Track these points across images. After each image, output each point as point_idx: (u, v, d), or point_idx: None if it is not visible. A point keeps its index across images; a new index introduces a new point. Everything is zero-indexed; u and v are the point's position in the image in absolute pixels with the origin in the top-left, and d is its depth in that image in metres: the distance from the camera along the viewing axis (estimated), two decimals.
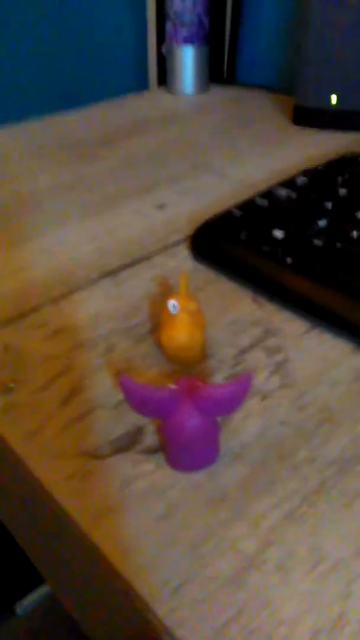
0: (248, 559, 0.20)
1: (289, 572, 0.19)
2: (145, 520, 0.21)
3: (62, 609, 0.67)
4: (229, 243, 0.34)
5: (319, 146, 0.52)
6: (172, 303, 0.26)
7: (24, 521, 0.28)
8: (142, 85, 0.77)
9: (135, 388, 0.21)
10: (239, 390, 0.21)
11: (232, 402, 0.21)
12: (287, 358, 0.28)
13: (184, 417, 0.21)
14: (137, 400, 0.21)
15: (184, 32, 0.64)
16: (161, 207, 0.42)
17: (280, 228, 0.34)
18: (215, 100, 0.67)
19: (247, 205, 0.37)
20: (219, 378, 0.27)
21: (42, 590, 0.73)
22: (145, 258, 0.36)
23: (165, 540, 0.20)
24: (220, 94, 0.69)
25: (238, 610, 0.18)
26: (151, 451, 0.24)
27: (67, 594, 0.27)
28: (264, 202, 0.37)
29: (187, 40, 0.65)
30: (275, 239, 0.33)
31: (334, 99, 0.53)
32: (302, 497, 0.22)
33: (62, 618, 0.70)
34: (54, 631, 0.70)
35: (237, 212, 0.36)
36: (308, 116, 0.55)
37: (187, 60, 0.66)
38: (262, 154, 0.51)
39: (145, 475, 0.23)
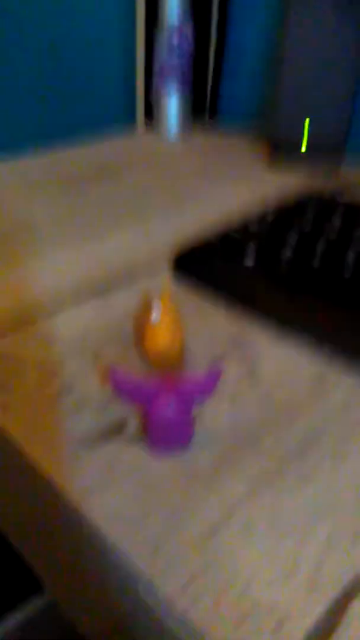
0: (215, 525, 0.23)
1: (250, 535, 0.23)
2: (128, 494, 0.24)
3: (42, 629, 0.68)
4: (207, 268, 0.38)
5: (291, 185, 0.58)
6: (155, 312, 0.30)
7: (19, 514, 0.31)
8: (130, 117, 0.83)
9: (124, 377, 0.25)
10: (210, 381, 0.25)
11: (204, 391, 0.25)
12: (255, 364, 0.32)
13: (163, 404, 0.25)
14: (124, 388, 0.25)
15: (169, 83, 0.71)
16: (147, 235, 0.47)
17: (251, 258, 0.38)
18: (197, 145, 0.73)
19: (223, 237, 0.41)
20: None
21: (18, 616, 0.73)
22: (130, 280, 0.40)
23: (146, 510, 0.24)
24: (202, 137, 0.75)
25: (205, 566, 0.22)
26: (134, 439, 0.27)
27: (58, 589, 0.30)
28: (237, 235, 0.42)
29: (172, 91, 0.71)
30: (247, 267, 0.38)
31: (304, 144, 0.59)
32: (265, 476, 0.25)
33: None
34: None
35: (214, 243, 0.41)
36: (283, 158, 0.61)
37: (172, 104, 0.73)
38: (239, 191, 0.56)
39: (129, 458, 0.26)
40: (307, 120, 0.58)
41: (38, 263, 0.42)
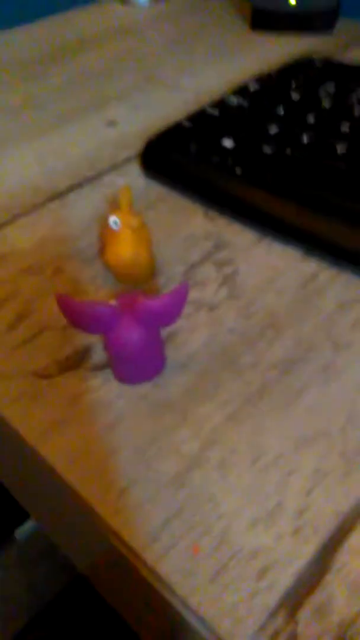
0: (190, 460, 0.20)
1: (229, 469, 0.20)
2: (93, 431, 0.22)
3: None
4: (179, 156, 0.33)
5: (277, 52, 0.50)
6: (112, 219, 0.25)
7: None
8: None
9: (73, 305, 0.21)
10: (176, 299, 0.21)
11: (170, 312, 0.21)
12: (236, 270, 0.28)
13: (124, 330, 0.21)
14: (76, 317, 0.21)
15: None
16: (111, 123, 0.40)
17: (230, 137, 0.33)
18: (169, 8, 0.62)
19: (198, 116, 0.35)
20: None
21: None
22: (95, 178, 0.35)
23: (112, 447, 0.21)
24: (175, 2, 0.64)
25: (180, 507, 0.19)
26: (99, 368, 0.24)
27: (43, 518, 0.29)
28: (214, 112, 0.35)
29: None
30: (225, 149, 0.32)
31: (292, 1, 0.50)
32: (244, 399, 0.22)
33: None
34: (53, 556, 0.74)
35: (187, 124, 0.35)
36: (267, 20, 0.52)
37: None
38: (219, 63, 0.48)
39: (93, 390, 0.23)
40: None
41: None
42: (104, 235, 0.27)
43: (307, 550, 0.18)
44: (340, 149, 0.31)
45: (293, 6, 0.50)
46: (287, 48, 0.50)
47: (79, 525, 0.22)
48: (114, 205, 0.33)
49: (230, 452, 0.20)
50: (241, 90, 0.37)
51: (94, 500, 0.20)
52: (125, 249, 0.26)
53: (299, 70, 0.39)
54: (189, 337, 0.25)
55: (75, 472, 0.20)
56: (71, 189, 0.34)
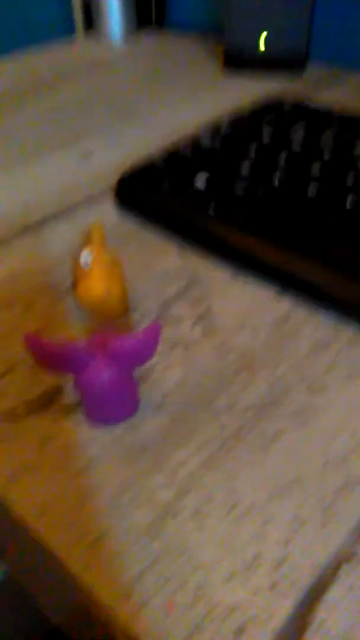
0: (165, 508, 0.20)
1: (205, 518, 0.19)
2: (64, 478, 0.21)
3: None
4: (152, 193, 0.33)
5: (249, 90, 0.51)
6: (84, 254, 0.25)
7: None
8: (68, 29, 0.73)
9: (42, 345, 0.20)
10: (149, 339, 0.21)
11: (143, 352, 0.21)
12: (210, 307, 0.28)
13: (96, 371, 0.21)
14: (46, 358, 0.21)
15: None
16: (86, 156, 0.40)
17: (202, 177, 0.33)
18: (144, 46, 0.64)
19: (170, 154, 0.36)
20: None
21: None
22: (69, 211, 0.35)
23: (84, 495, 0.20)
24: (150, 40, 0.65)
25: (153, 560, 0.18)
26: (70, 408, 0.23)
27: (13, 564, 0.27)
28: (187, 153, 0.36)
29: None
30: (197, 188, 0.32)
31: (262, 41, 0.51)
32: (220, 443, 0.22)
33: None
34: (26, 604, 0.70)
35: (160, 164, 0.35)
36: (238, 60, 0.54)
37: (113, 5, 0.62)
38: (192, 100, 0.49)
39: (64, 433, 0.22)
40: (263, 33, 0.50)
41: None
42: (76, 270, 0.26)
43: (286, 606, 0.17)
44: (311, 191, 0.31)
45: (262, 50, 0.52)
46: (259, 88, 0.51)
47: (50, 577, 0.21)
48: (86, 240, 0.32)
49: (205, 500, 0.20)
50: (213, 131, 0.38)
51: (64, 554, 0.19)
52: (97, 285, 0.25)
53: (269, 112, 0.40)
54: (163, 375, 0.24)
55: (44, 522, 0.19)
56: (44, 222, 0.34)
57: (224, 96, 0.50)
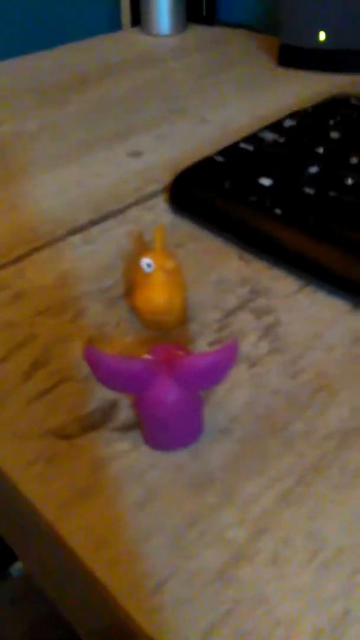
0: (238, 550, 0.17)
1: (284, 564, 0.17)
2: (121, 508, 0.19)
3: None
4: (212, 193, 0.31)
5: (307, 88, 0.48)
6: (146, 261, 0.23)
7: None
8: (114, 26, 0.71)
9: (104, 360, 0.18)
10: (224, 359, 0.18)
11: (215, 372, 0.19)
12: (277, 320, 0.25)
13: (161, 392, 0.19)
14: (107, 375, 0.19)
15: None
16: (136, 154, 0.38)
17: (267, 175, 0.31)
18: (193, 41, 0.61)
19: (231, 151, 0.33)
20: (201, 344, 0.24)
21: None
22: (119, 212, 0.33)
23: (144, 530, 0.18)
24: (199, 35, 0.63)
25: (228, 610, 0.16)
26: (127, 428, 0.21)
27: (46, 581, 0.25)
28: (249, 147, 0.33)
29: None
30: (263, 188, 0.30)
31: (322, 35, 0.48)
32: (298, 476, 0.19)
33: None
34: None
35: (220, 159, 0.33)
36: (295, 56, 0.51)
37: (163, 5, 0.61)
38: (246, 97, 0.47)
39: (120, 456, 0.20)
40: (323, 21, 0.47)
41: (2, 193, 0.35)
42: (134, 277, 0.24)
43: None
44: None
45: (322, 42, 0.49)
46: (317, 87, 0.49)
47: (93, 612, 0.19)
48: (140, 243, 0.30)
49: (283, 542, 0.17)
50: (276, 126, 0.36)
51: (124, 597, 0.16)
52: (159, 294, 0.23)
53: (335, 108, 0.37)
54: (228, 396, 0.22)
55: (101, 559, 0.17)
56: (93, 222, 0.32)
57: (281, 94, 0.47)
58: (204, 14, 0.67)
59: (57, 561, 0.20)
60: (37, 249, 0.30)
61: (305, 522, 0.18)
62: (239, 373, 0.23)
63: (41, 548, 0.21)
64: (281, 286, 0.27)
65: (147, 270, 0.23)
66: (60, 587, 0.22)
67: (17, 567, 0.70)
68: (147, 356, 0.20)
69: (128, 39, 0.63)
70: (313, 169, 0.31)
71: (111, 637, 0.19)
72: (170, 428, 0.19)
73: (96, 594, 0.18)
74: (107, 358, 0.18)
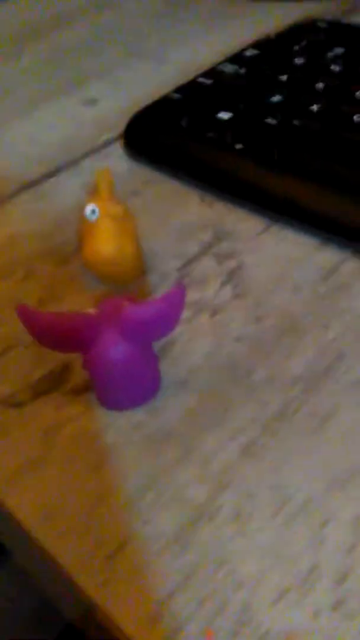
0: (198, 509, 0.16)
1: (247, 520, 0.16)
2: (73, 475, 0.17)
3: None
4: (168, 132, 0.28)
5: (276, 19, 0.45)
6: (89, 208, 0.21)
7: None
8: None
9: (38, 317, 0.17)
10: (171, 305, 0.17)
11: (163, 321, 0.17)
12: (241, 263, 0.23)
13: (107, 348, 0.17)
14: (45, 334, 0.17)
15: None
16: (91, 102, 0.36)
17: (226, 109, 0.28)
18: None
19: (188, 87, 0.31)
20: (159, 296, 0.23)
21: None
22: (72, 163, 0.31)
23: (97, 496, 0.17)
24: None
25: (186, 575, 0.15)
26: (80, 391, 0.20)
27: (26, 565, 0.24)
28: (207, 81, 0.31)
29: None
30: (222, 122, 0.27)
31: None
32: (262, 425, 0.18)
33: None
34: None
35: (176, 96, 0.30)
36: None
37: None
38: (210, 33, 0.44)
39: (73, 420, 0.19)
40: None
41: None
42: (82, 228, 0.22)
43: (354, 630, 0.14)
44: (358, 117, 0.26)
45: None
46: (287, 16, 0.45)
47: (62, 585, 0.18)
48: (92, 193, 0.28)
49: (247, 497, 0.16)
50: (237, 57, 0.33)
51: (75, 569, 0.15)
52: (106, 243, 0.21)
53: (302, 33, 0.35)
54: (188, 347, 0.20)
55: (50, 530, 0.16)
56: (45, 177, 0.30)
57: (248, 26, 0.44)
58: None
59: (20, 539, 0.19)
60: None
61: (270, 474, 0.16)
62: (200, 323, 0.21)
63: (8, 527, 0.20)
64: (245, 228, 0.25)
65: (92, 218, 0.21)
66: (36, 566, 0.21)
67: None
68: (92, 310, 0.18)
69: None
70: (276, 98, 0.28)
71: (89, 615, 0.18)
72: (122, 385, 0.18)
73: (53, 569, 0.16)
74: (42, 315, 0.17)
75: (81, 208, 0.27)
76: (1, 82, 0.40)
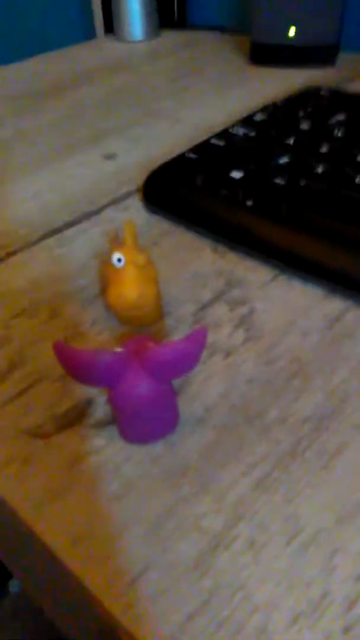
0: (214, 538, 0.17)
1: (261, 549, 0.17)
2: (97, 504, 0.18)
3: None
4: (184, 189, 0.31)
5: (279, 84, 0.49)
6: (116, 256, 0.23)
7: None
8: (88, 35, 0.72)
9: (73, 354, 0.18)
10: (192, 347, 0.18)
11: (185, 361, 0.18)
12: (252, 309, 0.25)
13: (132, 384, 0.19)
14: (77, 369, 0.18)
15: None
16: (110, 157, 0.38)
17: (238, 169, 0.31)
18: (166, 45, 0.62)
19: (202, 147, 0.33)
20: (176, 338, 0.24)
21: None
22: (94, 213, 0.33)
23: (120, 524, 0.18)
24: (171, 39, 0.64)
25: (204, 600, 0.16)
26: (103, 424, 0.21)
27: (35, 590, 0.25)
28: (220, 142, 0.33)
29: None
30: (234, 181, 0.30)
31: (292, 31, 0.49)
32: (274, 461, 0.19)
33: None
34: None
35: (192, 155, 0.33)
36: (266, 53, 0.51)
37: (135, 5, 0.61)
38: (220, 96, 0.47)
39: (96, 452, 0.20)
40: (291, 17, 0.47)
41: None
42: (106, 273, 0.24)
43: None
44: (359, 179, 0.29)
45: (292, 39, 0.49)
46: (289, 81, 0.49)
47: (83, 616, 0.19)
48: (115, 242, 0.30)
49: (260, 528, 0.17)
50: (247, 121, 0.36)
51: (101, 592, 0.16)
52: (131, 288, 0.23)
53: (306, 100, 0.38)
54: (204, 386, 0.22)
55: (77, 555, 0.17)
56: (68, 225, 0.32)
57: (254, 90, 0.48)
58: (176, 18, 0.68)
59: (41, 565, 0.20)
60: (11, 254, 0.30)
61: (282, 506, 0.18)
62: (214, 364, 0.23)
63: (26, 554, 0.21)
64: (255, 276, 0.27)
65: (118, 265, 0.23)
66: (49, 594, 0.22)
67: (15, 583, 0.69)
68: (118, 349, 0.20)
69: (102, 46, 0.63)
70: (283, 160, 0.31)
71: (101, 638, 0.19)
72: (143, 420, 0.19)
73: (77, 592, 0.17)
74: (77, 352, 0.18)
75: (101, 254, 0.29)
76: (25, 134, 0.43)
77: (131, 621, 0.16)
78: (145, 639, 0.15)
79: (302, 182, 0.29)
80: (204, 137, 0.40)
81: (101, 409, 0.21)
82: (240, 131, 0.34)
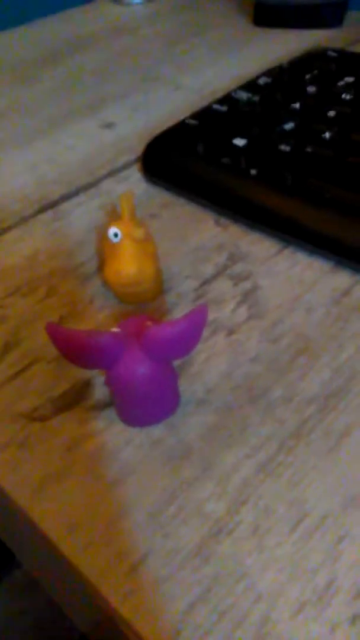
0: (217, 524, 0.17)
1: (265, 535, 0.16)
2: (95, 489, 0.18)
3: None
4: (184, 157, 0.29)
5: (284, 46, 0.46)
6: (113, 231, 0.22)
7: None
8: None
9: (67, 336, 0.17)
10: (192, 326, 0.17)
11: (185, 341, 0.18)
12: (256, 285, 0.24)
13: (130, 365, 0.18)
14: (72, 351, 0.18)
15: None
16: (109, 126, 0.37)
17: (241, 136, 0.29)
18: (167, 7, 0.59)
19: (203, 113, 0.32)
20: (178, 315, 0.23)
21: None
22: (91, 185, 0.32)
23: (119, 509, 0.17)
24: (171, 1, 0.61)
25: (207, 588, 0.15)
26: (101, 406, 0.20)
27: (42, 576, 0.25)
28: (222, 108, 0.32)
29: None
30: (237, 148, 0.28)
31: None
32: (278, 443, 0.18)
33: None
34: None
35: (192, 122, 0.31)
36: (271, 14, 0.49)
37: None
38: (222, 59, 0.45)
39: (95, 435, 0.19)
40: None
41: None
42: (103, 249, 0.23)
43: None
44: None
45: (296, 4, 0.47)
46: (294, 44, 0.47)
47: (82, 603, 0.18)
48: (113, 215, 0.29)
49: (264, 513, 0.17)
50: (250, 85, 0.34)
51: (99, 580, 0.16)
52: (128, 264, 0.22)
53: (312, 62, 0.36)
54: (205, 366, 0.21)
55: (74, 542, 0.16)
56: (65, 198, 0.31)
57: (258, 53, 0.46)
58: None
59: (41, 550, 0.19)
60: (6, 229, 0.29)
61: (287, 490, 0.17)
62: (216, 342, 0.22)
63: (26, 539, 0.21)
64: (259, 250, 0.26)
65: (115, 240, 0.22)
66: (49, 577, 0.22)
67: None
68: (115, 329, 0.19)
69: (99, 10, 0.60)
70: (289, 125, 0.29)
71: (103, 626, 0.18)
72: (143, 402, 0.19)
73: (75, 580, 0.17)
74: (71, 333, 0.17)
75: (100, 228, 0.28)
76: (22, 103, 0.41)
77: (130, 610, 0.15)
78: (144, 630, 0.15)
79: (309, 149, 0.28)
80: (206, 103, 0.38)
81: (99, 390, 0.21)
82: (244, 96, 0.33)
